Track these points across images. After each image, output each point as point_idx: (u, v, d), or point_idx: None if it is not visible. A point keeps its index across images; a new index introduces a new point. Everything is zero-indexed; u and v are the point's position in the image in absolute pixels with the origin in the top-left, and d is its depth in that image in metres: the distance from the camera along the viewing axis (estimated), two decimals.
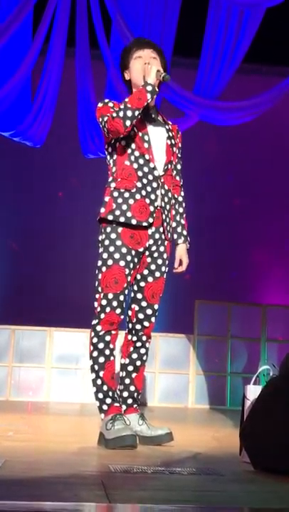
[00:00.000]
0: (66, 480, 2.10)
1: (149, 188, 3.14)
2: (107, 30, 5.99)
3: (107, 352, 3.08)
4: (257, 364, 6.61)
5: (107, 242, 3.11)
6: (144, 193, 3.13)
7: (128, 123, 3.05)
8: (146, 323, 3.21)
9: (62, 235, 7.56)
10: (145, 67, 3.18)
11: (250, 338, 7.11)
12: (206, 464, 2.67)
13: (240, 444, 2.70)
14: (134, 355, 3.22)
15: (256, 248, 8.05)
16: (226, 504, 1.84)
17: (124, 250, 3.09)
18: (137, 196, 3.11)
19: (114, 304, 3.08)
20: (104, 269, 3.10)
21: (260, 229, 8.07)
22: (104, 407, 3.06)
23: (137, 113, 3.06)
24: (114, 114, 3.05)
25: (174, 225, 3.33)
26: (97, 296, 3.12)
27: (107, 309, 3.08)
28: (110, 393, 3.07)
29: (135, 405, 3.19)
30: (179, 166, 3.37)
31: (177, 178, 3.37)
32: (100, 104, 3.19)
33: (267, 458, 2.42)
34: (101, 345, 3.08)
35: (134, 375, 3.21)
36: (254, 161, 8.15)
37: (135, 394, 3.19)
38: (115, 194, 3.13)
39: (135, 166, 3.14)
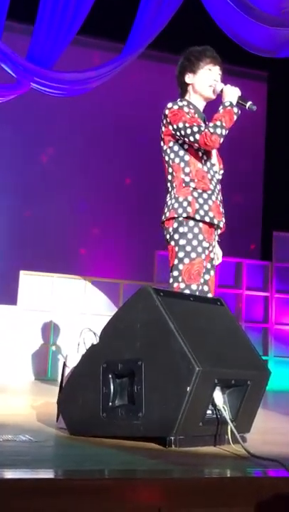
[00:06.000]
0: None
1: (217, 191, 3.38)
2: None
3: None
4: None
5: (190, 236, 3.26)
6: (216, 194, 3.36)
7: (222, 141, 3.27)
8: None
9: None
10: (226, 87, 3.33)
11: (73, 312, 7.19)
12: (22, 431, 2.67)
13: (57, 410, 2.74)
14: None
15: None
16: (40, 467, 1.86)
17: (205, 244, 3.29)
18: (213, 198, 3.33)
19: (197, 294, 3.21)
20: (187, 260, 3.25)
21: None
22: None
23: (227, 132, 3.28)
24: (212, 130, 3.23)
25: None
26: (175, 285, 3.23)
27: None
28: None
29: None
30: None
31: None
32: (173, 106, 3.34)
33: (82, 423, 2.48)
34: None
35: None
36: (82, 136, 8.19)
37: None
38: (195, 194, 3.30)
39: (205, 169, 3.35)
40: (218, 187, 3.41)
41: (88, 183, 8.24)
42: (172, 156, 3.38)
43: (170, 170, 3.38)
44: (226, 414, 2.38)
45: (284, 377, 8.02)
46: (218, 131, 3.23)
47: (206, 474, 1.88)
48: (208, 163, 3.38)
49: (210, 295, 3.33)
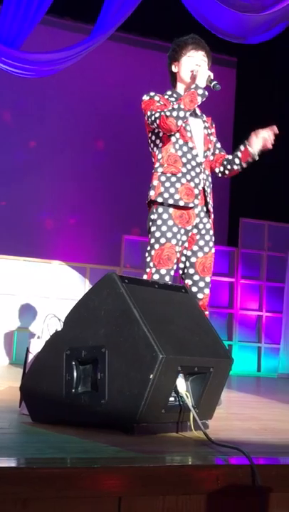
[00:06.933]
0: None
1: (193, 173, 3.42)
2: None
3: None
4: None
5: (159, 222, 3.36)
6: (188, 177, 3.40)
7: (180, 123, 3.32)
8: (200, 295, 3.45)
9: None
10: (198, 70, 3.40)
11: (39, 296, 7.15)
12: None
13: (20, 396, 2.72)
14: None
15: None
16: (1, 455, 1.85)
17: (175, 229, 3.36)
18: (183, 180, 3.39)
19: (167, 278, 3.34)
20: (157, 246, 3.35)
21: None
22: None
23: (188, 114, 3.35)
24: (168, 113, 3.29)
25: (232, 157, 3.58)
26: (148, 270, 3.37)
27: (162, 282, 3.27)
28: None
29: None
30: (219, 145, 3.68)
31: (222, 152, 3.67)
32: (145, 97, 3.41)
33: (44, 409, 2.47)
34: None
35: None
36: (49, 119, 8.11)
37: None
38: (163, 178, 3.39)
39: (180, 153, 3.41)
40: (198, 169, 3.44)
41: (55, 165, 8.18)
42: (152, 145, 3.50)
43: (153, 159, 3.48)
44: (189, 401, 2.39)
45: (248, 362, 8.12)
46: (174, 113, 3.29)
47: (167, 462, 1.89)
48: (185, 147, 3.43)
49: (196, 277, 3.43)
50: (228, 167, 3.60)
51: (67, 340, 2.48)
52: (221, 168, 3.62)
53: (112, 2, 6.09)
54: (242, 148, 3.54)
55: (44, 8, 6.04)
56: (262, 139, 3.48)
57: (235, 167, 3.59)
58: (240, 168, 3.60)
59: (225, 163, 3.60)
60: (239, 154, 3.55)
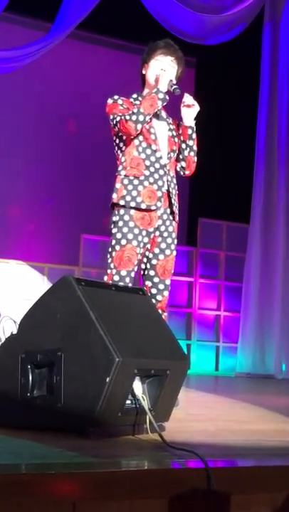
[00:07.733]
0: None
1: (156, 176, 3.42)
2: None
3: None
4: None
5: (121, 224, 3.36)
6: (151, 180, 3.41)
7: (139, 127, 3.34)
8: (159, 297, 3.46)
9: None
10: (162, 74, 3.42)
11: None
12: None
13: None
14: None
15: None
16: None
17: (136, 231, 3.36)
18: (146, 183, 3.39)
19: (127, 280, 3.34)
20: (117, 247, 3.35)
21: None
22: None
23: (148, 118, 3.36)
24: (128, 117, 3.31)
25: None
26: (108, 271, 3.37)
27: (120, 284, 3.24)
28: None
29: None
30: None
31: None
32: (109, 101, 3.41)
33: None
34: None
35: None
36: (13, 116, 8.03)
37: None
38: (125, 181, 3.39)
39: (143, 155, 3.42)
40: (162, 172, 3.44)
41: (12, 163, 8.09)
42: (116, 148, 3.51)
43: (117, 162, 3.47)
44: (145, 403, 2.38)
45: (206, 361, 8.17)
46: (134, 117, 3.31)
47: (122, 467, 1.88)
48: (149, 150, 3.44)
49: (156, 279, 3.44)
50: (181, 157, 3.60)
51: (23, 344, 2.45)
52: (179, 165, 3.63)
53: (71, 0, 6.06)
54: (180, 131, 3.58)
55: (2, 5, 5.97)
56: (185, 108, 3.54)
57: (186, 152, 3.58)
58: (190, 150, 3.59)
59: (180, 157, 3.61)
60: (181, 137, 3.58)
